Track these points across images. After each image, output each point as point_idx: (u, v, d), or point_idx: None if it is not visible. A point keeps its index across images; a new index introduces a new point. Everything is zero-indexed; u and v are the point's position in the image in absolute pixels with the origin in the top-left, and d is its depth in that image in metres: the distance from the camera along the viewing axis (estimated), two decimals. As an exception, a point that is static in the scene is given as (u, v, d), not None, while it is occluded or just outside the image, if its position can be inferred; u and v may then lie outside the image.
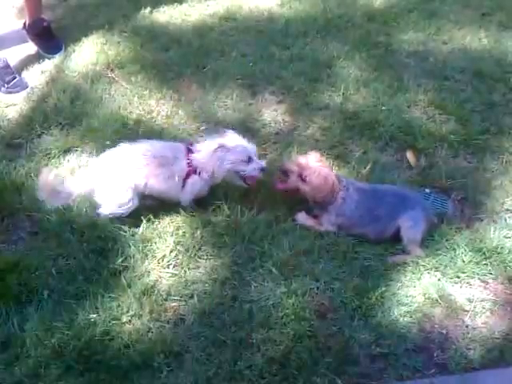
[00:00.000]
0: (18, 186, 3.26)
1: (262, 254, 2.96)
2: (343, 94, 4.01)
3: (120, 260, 2.90)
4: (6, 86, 3.94)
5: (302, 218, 3.14)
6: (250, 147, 3.06)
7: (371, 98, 4.01)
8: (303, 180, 3.02)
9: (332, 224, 3.09)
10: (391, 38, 4.65)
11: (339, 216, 3.07)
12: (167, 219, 3.11)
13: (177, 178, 3.00)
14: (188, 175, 3.02)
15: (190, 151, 3.05)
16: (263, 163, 3.06)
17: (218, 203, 3.17)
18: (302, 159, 3.09)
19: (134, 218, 3.08)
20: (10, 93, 3.96)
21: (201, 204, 3.17)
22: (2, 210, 3.15)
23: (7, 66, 3.99)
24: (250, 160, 3.02)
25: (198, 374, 2.49)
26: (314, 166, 3.05)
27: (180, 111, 3.85)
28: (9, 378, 2.44)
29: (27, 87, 4.00)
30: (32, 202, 3.16)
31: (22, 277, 2.79)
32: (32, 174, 3.34)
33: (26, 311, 2.67)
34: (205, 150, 3.03)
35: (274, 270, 2.87)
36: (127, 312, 2.68)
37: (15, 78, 3.99)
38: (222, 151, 2.99)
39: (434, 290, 2.83)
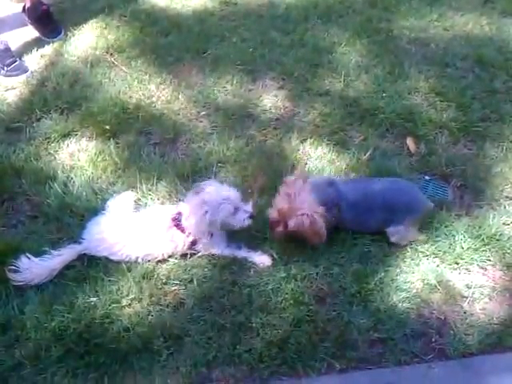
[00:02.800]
0: (18, 170, 3.26)
1: (262, 240, 2.96)
2: (344, 80, 3.99)
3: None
4: (5, 68, 3.92)
5: None
6: (234, 196, 2.81)
7: (372, 84, 3.99)
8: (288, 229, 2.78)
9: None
10: (392, 24, 4.62)
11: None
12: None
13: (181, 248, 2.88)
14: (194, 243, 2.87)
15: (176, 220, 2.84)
16: (250, 208, 2.84)
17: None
18: (283, 202, 2.80)
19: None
20: (10, 76, 3.94)
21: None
22: (2, 193, 3.15)
23: (8, 49, 3.97)
24: (236, 210, 2.81)
25: (197, 358, 2.51)
26: (295, 210, 2.75)
27: (180, 96, 3.83)
28: (9, 360, 2.46)
29: (27, 71, 3.98)
30: (32, 186, 3.17)
31: (22, 260, 2.79)
32: (32, 158, 3.33)
33: (26, 294, 2.68)
34: (190, 216, 2.80)
35: (273, 254, 2.88)
36: (127, 295, 2.69)
37: (15, 61, 3.97)
38: (206, 214, 2.75)
39: (433, 276, 2.84)
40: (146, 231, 2.82)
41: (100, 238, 2.81)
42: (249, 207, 2.86)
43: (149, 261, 2.83)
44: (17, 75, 3.94)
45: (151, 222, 2.85)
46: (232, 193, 2.82)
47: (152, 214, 2.92)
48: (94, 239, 2.82)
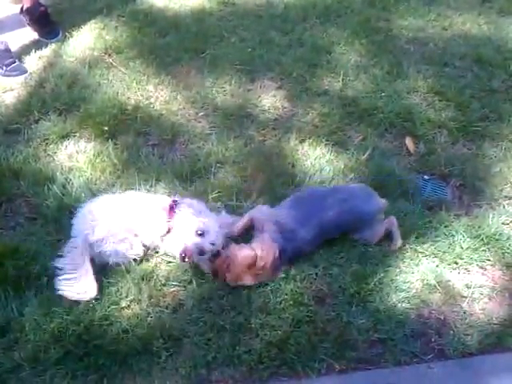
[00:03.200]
0: (16, 172, 3.25)
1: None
2: (342, 80, 3.99)
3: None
4: (4, 68, 3.91)
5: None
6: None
7: (370, 84, 3.99)
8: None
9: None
10: (391, 23, 4.63)
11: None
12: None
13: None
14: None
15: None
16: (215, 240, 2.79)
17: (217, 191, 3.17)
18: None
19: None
20: (9, 76, 3.93)
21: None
22: (0, 195, 3.14)
23: (7, 50, 3.97)
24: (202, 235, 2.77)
25: (196, 359, 2.50)
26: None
27: (178, 97, 3.83)
28: (8, 362, 2.45)
29: (26, 72, 3.97)
30: (30, 188, 3.16)
31: (20, 262, 2.78)
32: (30, 160, 3.33)
33: (25, 296, 2.67)
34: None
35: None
36: (126, 297, 2.68)
37: (14, 62, 3.96)
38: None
39: (432, 276, 2.84)
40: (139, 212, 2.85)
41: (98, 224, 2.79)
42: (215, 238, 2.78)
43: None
44: (15, 76, 3.94)
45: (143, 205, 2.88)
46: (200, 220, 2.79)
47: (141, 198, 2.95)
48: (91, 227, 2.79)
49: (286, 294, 2.72)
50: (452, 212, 3.16)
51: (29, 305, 2.63)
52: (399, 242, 2.96)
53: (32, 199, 3.12)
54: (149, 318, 2.63)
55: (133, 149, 3.44)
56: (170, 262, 2.85)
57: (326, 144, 3.50)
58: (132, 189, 3.14)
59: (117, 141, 3.48)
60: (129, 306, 2.67)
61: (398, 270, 2.87)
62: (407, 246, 2.97)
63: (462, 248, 2.96)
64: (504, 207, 3.22)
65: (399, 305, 2.74)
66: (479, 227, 3.06)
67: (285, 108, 3.80)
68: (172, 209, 2.85)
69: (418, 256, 2.93)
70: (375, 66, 4.15)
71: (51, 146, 3.45)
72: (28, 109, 3.68)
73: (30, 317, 2.58)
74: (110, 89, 3.86)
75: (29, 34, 4.37)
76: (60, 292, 2.64)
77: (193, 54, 4.22)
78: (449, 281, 2.84)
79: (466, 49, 4.37)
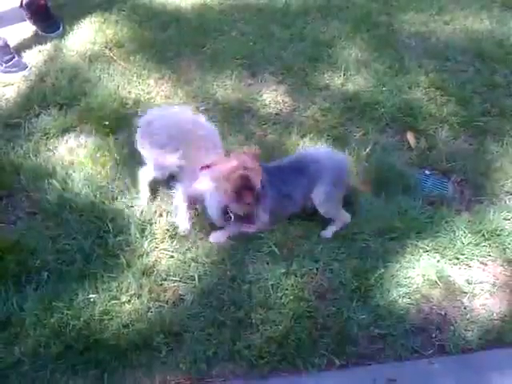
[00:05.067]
0: (17, 166, 3.25)
1: (261, 236, 2.95)
2: (344, 74, 3.98)
3: (119, 240, 2.89)
4: (4, 65, 3.90)
5: (217, 236, 2.95)
6: None
7: (372, 78, 3.98)
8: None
9: (264, 216, 2.96)
10: (392, 18, 4.61)
11: (263, 206, 2.93)
12: (166, 201, 3.10)
13: None
14: None
15: None
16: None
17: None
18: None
19: (132, 198, 3.08)
20: (9, 72, 3.91)
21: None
22: (1, 190, 3.14)
23: (6, 46, 3.94)
24: None
25: (197, 354, 2.50)
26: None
27: (179, 91, 3.82)
28: (9, 356, 2.45)
29: (26, 68, 3.95)
30: (31, 182, 3.16)
31: (21, 257, 2.78)
32: (30, 154, 3.32)
33: (26, 291, 2.67)
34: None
35: (274, 249, 2.87)
36: (126, 292, 2.68)
37: (14, 57, 3.94)
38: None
39: (433, 271, 2.84)
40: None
41: None
42: None
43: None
44: (15, 72, 3.92)
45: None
46: None
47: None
48: None
49: (287, 289, 2.72)
50: (453, 207, 3.16)
51: (29, 300, 2.63)
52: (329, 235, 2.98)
53: (32, 194, 3.12)
54: (149, 313, 2.63)
55: (133, 143, 3.41)
56: (171, 257, 2.85)
57: (327, 139, 3.50)
58: (132, 182, 3.14)
59: (117, 135, 3.47)
60: (129, 300, 2.66)
61: (398, 266, 2.86)
62: (408, 242, 2.96)
63: (462, 243, 2.96)
64: (505, 202, 3.21)
65: (400, 300, 2.74)
66: (480, 223, 3.05)
67: (286, 103, 3.79)
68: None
69: (418, 251, 2.93)
70: (376, 61, 4.14)
71: (52, 141, 3.44)
72: (28, 103, 3.67)
73: (30, 312, 2.58)
74: (111, 83, 3.85)
75: (29, 28, 4.35)
76: None
77: (193, 48, 4.21)
78: (449, 276, 2.84)
79: (467, 43, 4.36)
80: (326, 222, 3.02)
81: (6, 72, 3.91)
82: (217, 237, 2.95)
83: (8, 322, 2.57)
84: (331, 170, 2.95)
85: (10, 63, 3.91)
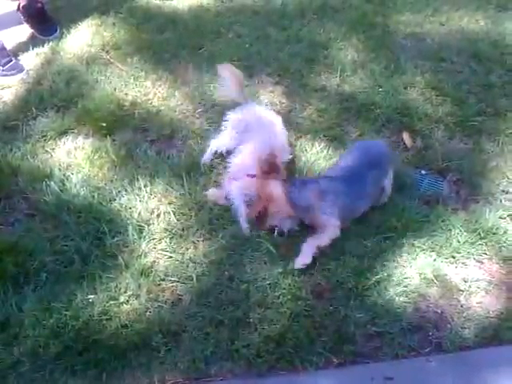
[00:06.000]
0: (15, 168, 3.26)
1: (259, 235, 2.96)
2: (340, 75, 4.00)
3: (117, 241, 2.90)
4: (1, 68, 3.90)
5: (301, 261, 2.81)
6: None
7: (368, 79, 3.99)
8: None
9: (333, 223, 2.90)
10: (388, 19, 4.63)
11: (330, 212, 2.90)
12: (164, 201, 3.11)
13: None
14: None
15: None
16: None
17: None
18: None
19: (130, 199, 3.09)
20: (6, 76, 3.92)
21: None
22: (-1, 191, 3.15)
23: (3, 49, 3.95)
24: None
25: (195, 353, 2.51)
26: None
27: (176, 93, 3.83)
28: (7, 357, 2.45)
29: (23, 70, 3.96)
30: (28, 184, 3.17)
31: (19, 258, 2.78)
32: (28, 156, 3.33)
33: (24, 292, 2.68)
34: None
35: (271, 249, 2.88)
36: (125, 292, 2.69)
37: (11, 60, 3.95)
38: None
39: (430, 270, 2.85)
40: None
41: None
42: None
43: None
44: (12, 75, 3.92)
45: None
46: None
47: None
48: None
49: (284, 289, 2.73)
50: (449, 206, 3.17)
51: (28, 300, 2.64)
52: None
53: (30, 196, 3.13)
54: (148, 313, 2.64)
55: (131, 145, 3.44)
56: (169, 258, 2.86)
57: (323, 139, 3.51)
58: (130, 184, 3.15)
59: (115, 137, 3.48)
60: (127, 301, 2.67)
61: (395, 265, 2.88)
62: (404, 241, 2.97)
63: (459, 242, 2.97)
64: (501, 201, 3.22)
65: (397, 298, 2.75)
66: (476, 221, 3.07)
67: (282, 103, 3.81)
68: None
69: (415, 250, 2.94)
70: (372, 62, 4.15)
71: (49, 143, 3.45)
72: (26, 105, 3.68)
73: (29, 312, 2.58)
74: (108, 85, 3.86)
75: (26, 32, 4.37)
76: None
77: (190, 50, 4.22)
78: (446, 275, 2.86)
79: (463, 44, 4.37)
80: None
81: (3, 75, 3.92)
82: (301, 261, 2.81)
83: (7, 322, 2.57)
84: (388, 157, 3.11)
85: (8, 66, 3.92)
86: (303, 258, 2.81)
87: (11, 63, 3.94)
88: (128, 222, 2.99)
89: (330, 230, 2.89)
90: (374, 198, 3.05)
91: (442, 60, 4.22)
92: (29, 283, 2.71)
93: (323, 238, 2.87)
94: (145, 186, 3.17)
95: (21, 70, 3.97)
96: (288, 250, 2.90)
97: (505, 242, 2.99)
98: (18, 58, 4.09)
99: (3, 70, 3.92)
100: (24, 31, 4.37)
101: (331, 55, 4.21)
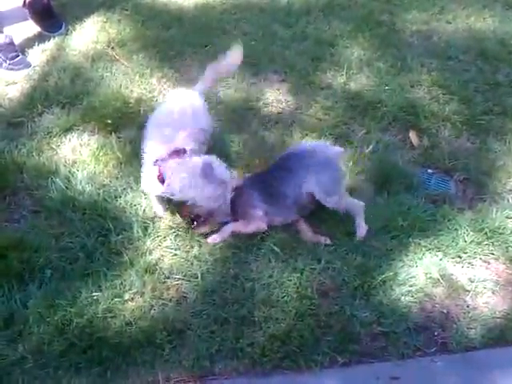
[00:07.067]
0: (20, 165, 3.25)
1: (264, 234, 2.95)
2: (346, 73, 3.99)
3: (122, 238, 2.90)
4: (8, 62, 3.90)
5: (213, 238, 2.94)
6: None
7: (374, 77, 3.98)
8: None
9: (256, 215, 2.96)
10: (395, 17, 4.61)
11: (252, 205, 2.97)
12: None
13: None
14: None
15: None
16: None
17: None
18: None
19: (135, 196, 3.08)
20: (12, 69, 3.92)
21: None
22: (4, 188, 3.14)
23: (12, 44, 3.96)
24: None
25: (200, 351, 2.50)
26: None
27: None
28: (12, 354, 2.45)
29: (29, 66, 3.96)
30: (34, 181, 3.16)
31: (24, 255, 2.78)
32: (33, 153, 3.33)
33: (29, 289, 2.67)
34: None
35: (275, 248, 2.87)
36: (129, 290, 2.68)
37: (18, 55, 3.95)
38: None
39: (436, 269, 2.84)
40: None
41: None
42: None
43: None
44: (18, 69, 3.93)
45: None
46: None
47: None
48: None
49: (289, 287, 2.72)
50: (455, 206, 3.16)
51: (32, 297, 2.63)
52: (363, 231, 2.94)
53: (35, 192, 3.13)
54: (152, 311, 2.63)
55: (136, 142, 3.41)
56: (174, 255, 2.85)
57: (329, 137, 3.50)
58: (135, 181, 3.15)
59: (120, 134, 3.48)
60: (132, 298, 2.67)
61: (401, 264, 2.86)
62: (411, 240, 2.96)
63: (465, 242, 2.96)
64: (508, 201, 3.21)
65: (402, 298, 2.74)
66: (483, 221, 3.05)
67: (288, 101, 3.79)
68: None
69: (421, 250, 2.93)
70: (379, 60, 4.14)
71: (55, 139, 3.44)
72: (31, 102, 3.67)
73: (33, 309, 2.58)
74: (113, 82, 3.85)
75: (32, 28, 4.36)
76: None
77: (196, 47, 4.21)
78: (452, 274, 2.84)
79: (470, 42, 4.36)
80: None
81: (9, 69, 3.92)
82: (213, 238, 2.94)
83: (11, 319, 2.57)
84: (317, 162, 2.94)
85: (15, 61, 3.92)
86: (217, 236, 2.92)
87: (18, 58, 3.95)
88: (133, 219, 2.98)
89: (255, 221, 2.95)
90: (298, 202, 2.97)
91: (449, 58, 4.21)
92: (33, 280, 2.71)
93: (248, 226, 2.94)
94: (150, 183, 3.15)
95: (27, 65, 3.97)
96: (293, 249, 2.89)
97: (511, 242, 2.97)
98: (24, 54, 4.08)
99: (10, 64, 3.92)
100: (30, 27, 4.36)
101: (337, 53, 4.20)
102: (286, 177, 2.96)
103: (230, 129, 3.54)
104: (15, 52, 3.95)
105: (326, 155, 3.00)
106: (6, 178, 3.18)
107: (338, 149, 3.13)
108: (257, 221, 2.96)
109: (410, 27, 4.50)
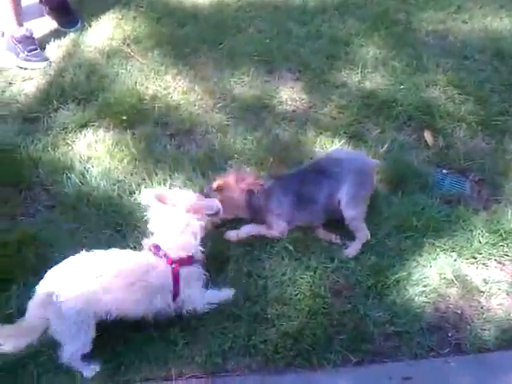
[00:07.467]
0: (36, 160, 3.28)
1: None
2: (361, 72, 3.97)
3: (136, 234, 2.90)
4: (26, 53, 3.94)
5: (230, 235, 2.94)
6: None
7: (389, 76, 3.96)
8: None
9: (279, 224, 2.93)
10: (410, 16, 4.59)
11: (277, 213, 2.93)
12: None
13: None
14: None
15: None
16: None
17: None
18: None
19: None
20: (29, 61, 3.95)
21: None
22: (20, 183, 3.17)
23: (31, 37, 4.02)
24: None
25: (212, 348, 2.51)
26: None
27: (196, 87, 3.83)
28: (27, 347, 2.45)
29: (47, 60, 4.00)
30: (49, 176, 3.19)
31: (39, 249, 2.81)
32: (49, 148, 3.35)
33: (44, 282, 2.69)
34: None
35: (289, 246, 2.87)
36: (143, 285, 2.69)
37: (36, 49, 4.00)
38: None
39: (450, 270, 2.82)
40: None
41: None
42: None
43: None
44: (35, 61, 3.96)
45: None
46: None
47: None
48: None
49: (303, 286, 2.72)
50: (471, 206, 3.14)
51: (47, 291, 2.65)
52: (354, 252, 2.89)
53: (51, 187, 3.15)
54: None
55: (150, 138, 3.45)
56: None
57: (343, 136, 3.49)
58: (149, 178, 3.16)
59: (135, 130, 3.49)
60: (145, 294, 2.67)
61: (415, 264, 2.85)
62: (425, 240, 2.95)
63: (480, 243, 2.94)
64: (523, 202, 3.18)
65: (416, 298, 2.72)
66: (498, 222, 3.03)
67: (302, 100, 3.79)
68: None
69: (435, 250, 2.91)
70: (394, 59, 4.12)
71: (70, 135, 3.47)
72: (47, 98, 3.70)
73: (48, 302, 2.60)
74: (129, 79, 3.87)
75: (48, 24, 4.39)
76: None
77: (211, 44, 4.22)
78: (466, 275, 2.83)
79: (486, 42, 4.33)
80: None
81: (27, 60, 3.96)
82: (230, 235, 2.94)
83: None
84: (354, 171, 2.92)
85: (32, 53, 3.96)
86: (235, 234, 2.92)
87: (36, 51, 3.99)
88: (147, 215, 2.98)
89: (275, 231, 2.92)
90: (327, 208, 2.95)
91: (465, 58, 4.18)
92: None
93: (269, 232, 2.93)
94: (164, 179, 3.17)
95: (45, 59, 4.00)
96: (307, 248, 2.89)
97: (527, 244, 2.95)
98: (42, 49, 4.10)
99: (27, 55, 3.96)
100: (46, 23, 4.40)
101: (352, 52, 4.18)
102: (320, 181, 2.92)
103: (243, 126, 3.54)
104: (34, 45, 3.99)
105: (364, 166, 3.01)
106: (21, 172, 3.21)
107: (375, 161, 3.14)
108: (279, 229, 2.93)
109: (425, 26, 4.47)
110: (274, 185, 2.96)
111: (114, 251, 2.48)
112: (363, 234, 2.93)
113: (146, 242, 2.58)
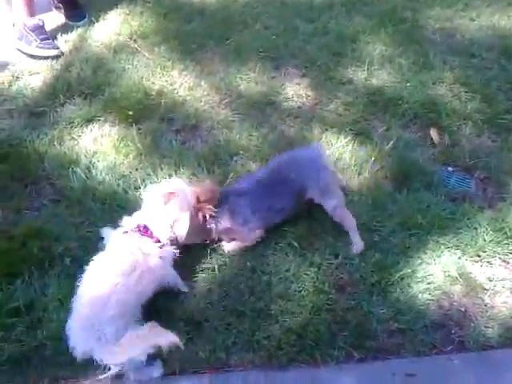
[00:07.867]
0: (41, 154, 3.29)
1: (281, 228, 2.95)
2: (367, 69, 3.96)
3: (141, 229, 2.91)
4: (38, 41, 3.96)
5: (229, 246, 2.88)
6: None
7: (396, 73, 3.95)
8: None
9: (249, 232, 2.83)
10: (417, 13, 4.57)
11: (243, 221, 2.80)
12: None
13: None
14: None
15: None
16: None
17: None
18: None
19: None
20: (42, 49, 3.98)
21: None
22: (26, 177, 3.18)
23: (43, 27, 4.04)
24: None
25: (216, 343, 2.52)
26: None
27: (202, 83, 3.83)
28: (32, 340, 2.49)
29: (58, 48, 4.02)
30: (55, 170, 3.20)
31: (44, 243, 2.82)
32: (55, 143, 3.36)
33: (49, 277, 2.71)
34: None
35: (293, 242, 2.88)
36: (148, 280, 2.70)
37: (48, 39, 4.03)
38: None
39: (454, 268, 2.82)
40: None
41: None
42: None
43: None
44: (48, 49, 3.98)
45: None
46: None
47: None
48: None
49: (306, 282, 2.73)
50: (475, 204, 3.13)
51: (52, 285, 2.67)
52: (359, 247, 2.87)
53: (56, 181, 3.16)
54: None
55: (156, 134, 3.45)
56: (191, 247, 2.86)
57: (349, 133, 3.48)
58: (154, 173, 3.17)
59: (141, 125, 3.50)
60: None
61: (419, 261, 2.85)
62: (429, 238, 2.94)
63: (484, 241, 2.93)
64: (529, 201, 3.18)
65: (420, 295, 2.73)
66: (503, 220, 3.02)
67: (309, 96, 3.78)
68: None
69: (440, 247, 2.91)
70: (401, 56, 4.11)
71: (76, 130, 3.48)
72: (54, 92, 3.71)
73: (53, 297, 2.61)
74: (135, 74, 3.88)
75: (55, 18, 4.41)
76: None
77: (217, 40, 4.22)
78: (471, 273, 2.82)
79: (493, 40, 4.31)
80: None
81: (39, 47, 3.98)
82: (229, 246, 2.89)
83: (31, 306, 2.60)
84: (307, 167, 2.87)
85: (44, 42, 3.99)
86: (231, 245, 2.88)
87: (48, 40, 4.02)
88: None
89: (249, 240, 2.87)
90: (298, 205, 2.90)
91: (472, 56, 4.16)
92: (53, 268, 2.74)
93: (246, 242, 2.87)
94: (169, 175, 3.17)
95: (56, 47, 4.03)
96: (311, 244, 2.89)
97: (532, 242, 2.95)
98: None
99: (40, 43, 3.98)
100: (53, 18, 4.41)
101: (359, 48, 4.18)
102: (280, 188, 2.82)
103: (249, 122, 3.54)
104: (46, 35, 4.02)
105: (312, 159, 2.91)
106: (27, 166, 3.22)
107: (315, 146, 3.12)
108: (253, 237, 2.86)
109: (432, 24, 4.46)
110: (235, 201, 2.79)
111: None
112: (349, 220, 2.89)
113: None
